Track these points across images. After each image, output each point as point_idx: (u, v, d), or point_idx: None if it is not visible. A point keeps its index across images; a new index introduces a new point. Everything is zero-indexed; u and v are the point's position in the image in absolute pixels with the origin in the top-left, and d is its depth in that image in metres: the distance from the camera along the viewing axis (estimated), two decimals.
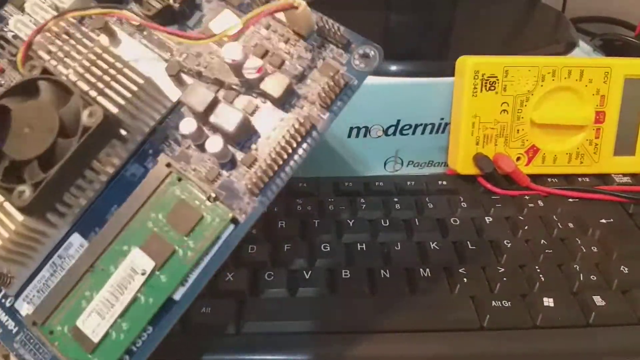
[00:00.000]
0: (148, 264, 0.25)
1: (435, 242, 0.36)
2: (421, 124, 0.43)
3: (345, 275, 0.34)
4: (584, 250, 0.36)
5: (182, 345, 0.30)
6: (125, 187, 0.27)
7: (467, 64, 0.40)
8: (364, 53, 0.28)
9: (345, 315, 0.32)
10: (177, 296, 0.26)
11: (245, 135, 0.27)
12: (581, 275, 0.34)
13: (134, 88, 0.26)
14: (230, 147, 0.27)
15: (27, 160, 0.24)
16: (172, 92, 0.28)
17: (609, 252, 0.36)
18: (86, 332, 0.25)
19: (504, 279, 0.34)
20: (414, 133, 0.43)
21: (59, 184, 0.25)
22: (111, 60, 0.26)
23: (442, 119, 0.43)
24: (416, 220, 0.38)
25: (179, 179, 0.27)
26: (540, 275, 0.34)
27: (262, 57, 0.28)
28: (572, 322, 0.32)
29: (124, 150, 0.27)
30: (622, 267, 0.35)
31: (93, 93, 0.25)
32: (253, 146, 0.27)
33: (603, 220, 0.38)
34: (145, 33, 0.30)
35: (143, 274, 0.25)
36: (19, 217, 0.25)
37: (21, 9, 0.31)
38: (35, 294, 0.27)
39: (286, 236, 0.37)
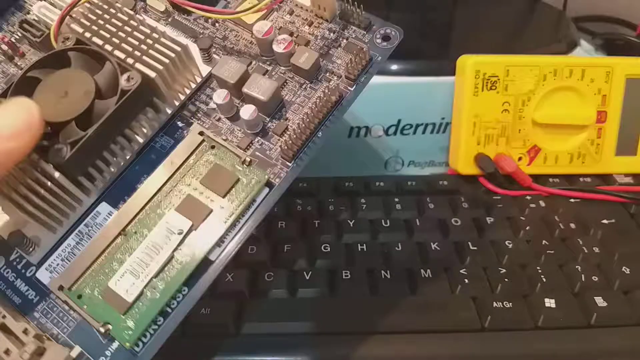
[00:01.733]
0: (185, 223, 0.25)
1: (436, 243, 0.36)
2: (422, 124, 0.43)
3: (345, 275, 0.34)
4: (586, 251, 0.36)
5: (182, 345, 0.30)
6: (155, 158, 0.27)
7: (468, 63, 0.40)
8: (385, 33, 0.30)
9: (346, 316, 0.32)
10: (213, 256, 0.25)
11: (275, 106, 0.28)
12: (583, 276, 0.34)
13: (172, 55, 0.26)
14: (262, 116, 0.28)
15: (65, 122, 0.24)
16: (203, 68, 0.29)
17: (610, 252, 0.36)
18: (119, 292, 0.24)
19: (505, 279, 0.34)
20: (414, 133, 0.43)
21: (95, 145, 0.25)
22: (147, 30, 0.27)
23: (443, 118, 0.43)
24: (417, 220, 0.38)
25: (212, 147, 0.27)
26: (542, 276, 0.34)
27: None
28: (574, 323, 0.32)
29: (157, 120, 0.27)
30: (623, 267, 0.34)
31: (130, 60, 0.26)
32: (283, 116, 0.28)
33: (605, 221, 0.38)
34: (170, 20, 0.32)
35: (180, 233, 0.25)
36: (55, 174, 0.24)
37: None
38: (60, 262, 0.26)
39: (286, 236, 0.37)
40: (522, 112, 0.41)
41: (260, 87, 0.27)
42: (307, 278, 0.34)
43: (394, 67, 0.42)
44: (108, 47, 0.26)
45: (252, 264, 0.34)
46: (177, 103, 0.28)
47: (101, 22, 0.27)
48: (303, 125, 0.27)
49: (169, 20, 0.32)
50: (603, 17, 0.57)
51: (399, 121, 0.43)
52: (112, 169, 0.27)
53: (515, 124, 0.41)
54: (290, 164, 0.27)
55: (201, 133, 0.27)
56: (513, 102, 0.40)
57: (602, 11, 0.57)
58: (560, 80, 0.40)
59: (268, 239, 0.36)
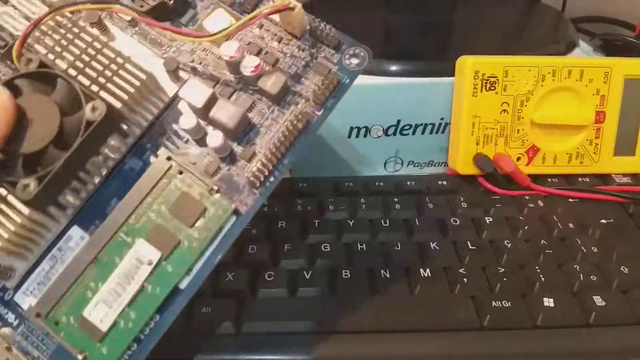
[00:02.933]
0: (154, 254, 0.26)
1: (436, 242, 0.36)
2: (421, 124, 0.43)
3: (345, 275, 0.34)
4: (584, 251, 0.36)
5: (182, 345, 0.30)
6: (123, 180, 0.28)
7: (467, 64, 0.40)
8: (354, 53, 0.29)
9: (345, 315, 0.32)
10: (182, 285, 0.26)
11: (243, 131, 0.28)
12: (581, 275, 0.34)
13: (137, 83, 0.26)
14: (229, 142, 0.28)
15: (41, 149, 0.24)
16: (169, 87, 0.29)
17: (609, 252, 0.36)
18: (93, 322, 0.25)
19: (504, 279, 0.34)
20: (414, 133, 0.43)
21: (63, 176, 0.25)
22: (112, 55, 0.26)
23: (442, 119, 0.43)
24: (416, 220, 0.38)
25: (180, 172, 0.27)
26: (541, 275, 0.34)
27: (257, 55, 0.29)
28: (572, 322, 0.32)
29: (124, 144, 0.27)
30: (622, 267, 0.35)
31: (95, 87, 0.26)
32: (251, 141, 0.28)
33: (603, 221, 0.38)
34: (137, 29, 0.31)
35: (149, 264, 0.26)
36: (24, 210, 0.25)
37: (4, 0, 0.30)
38: (36, 286, 0.27)
39: (286, 236, 0.37)
40: (521, 112, 0.41)
41: (227, 112, 0.27)
42: (307, 277, 0.34)
43: (394, 67, 0.42)
44: (72, 72, 0.26)
45: (252, 264, 0.35)
46: (144, 124, 0.28)
47: (64, 42, 0.26)
48: (270, 154, 0.27)
49: (136, 29, 0.31)
50: (602, 18, 0.57)
51: (399, 121, 0.43)
52: (82, 195, 0.27)
53: (514, 124, 0.41)
54: (256, 192, 0.27)
55: (169, 158, 0.27)
56: (512, 103, 0.41)
57: (601, 12, 0.57)
58: (559, 80, 0.40)
59: (268, 239, 0.37)
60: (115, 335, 0.25)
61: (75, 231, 0.27)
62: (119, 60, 0.26)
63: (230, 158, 0.28)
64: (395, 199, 0.40)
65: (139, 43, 0.30)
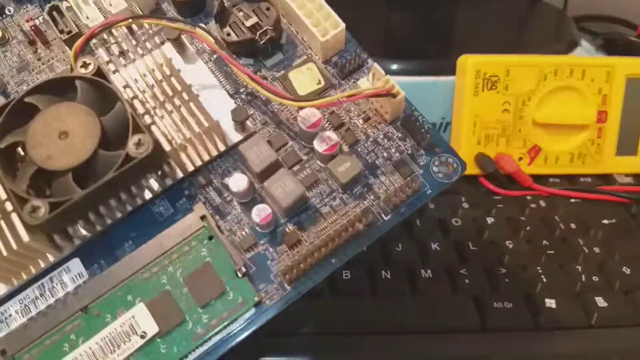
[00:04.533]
0: (151, 327, 0.22)
1: (437, 243, 0.36)
2: None
3: (345, 275, 0.34)
4: (586, 251, 0.36)
5: None
6: (147, 224, 0.24)
7: (468, 63, 0.40)
8: (446, 162, 0.25)
9: (346, 316, 0.31)
10: None
11: (297, 209, 0.24)
12: (583, 276, 0.34)
13: (197, 130, 0.23)
14: (277, 217, 0.25)
15: (60, 171, 0.21)
16: (230, 135, 0.25)
17: (611, 253, 0.36)
18: None
19: (506, 280, 0.34)
20: None
21: (81, 208, 0.22)
22: (179, 87, 0.23)
23: (444, 118, 0.43)
24: (417, 220, 0.38)
25: (210, 237, 0.24)
26: (542, 276, 0.34)
27: (337, 128, 0.26)
28: (574, 323, 0.32)
29: (161, 184, 0.24)
30: (624, 268, 0.34)
31: (147, 119, 0.22)
32: (301, 224, 0.24)
33: (605, 221, 0.38)
34: (215, 57, 0.27)
35: (142, 337, 0.22)
36: (24, 236, 0.21)
37: None
38: (13, 314, 0.23)
39: None
40: (523, 112, 0.41)
41: (284, 189, 0.23)
42: None
43: (394, 66, 0.41)
44: (129, 92, 0.23)
45: None
46: (189, 169, 0.24)
47: (132, 56, 0.24)
48: (317, 246, 0.23)
49: (214, 57, 0.27)
50: (603, 17, 0.57)
51: None
52: (97, 228, 0.23)
53: (515, 124, 0.41)
54: (288, 288, 0.23)
55: (203, 217, 0.24)
56: (513, 102, 0.40)
57: (603, 11, 0.57)
58: (561, 80, 0.40)
59: None
60: None
61: (75, 265, 0.24)
62: (185, 96, 0.23)
63: (272, 236, 0.24)
64: None
65: (212, 73, 0.27)
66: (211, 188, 0.25)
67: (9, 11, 0.28)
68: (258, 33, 0.26)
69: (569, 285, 0.34)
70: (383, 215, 0.25)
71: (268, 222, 0.23)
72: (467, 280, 0.33)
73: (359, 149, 0.26)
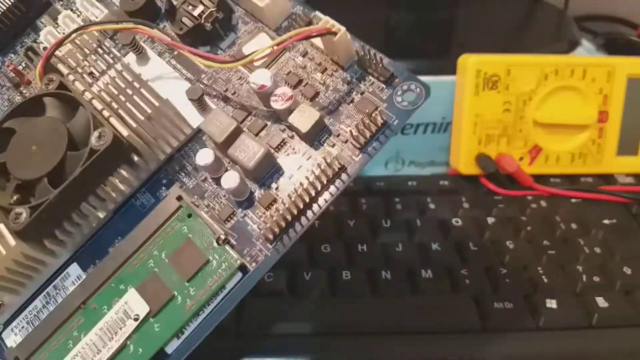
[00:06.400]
0: (142, 308, 0.23)
1: (437, 243, 0.36)
2: (422, 123, 0.43)
3: (345, 276, 0.34)
4: (587, 251, 0.36)
5: None
6: (133, 218, 0.25)
7: (469, 62, 0.39)
8: (408, 89, 0.25)
9: (346, 317, 0.31)
10: (169, 349, 0.23)
11: (266, 172, 0.25)
12: (584, 276, 0.34)
13: (148, 110, 0.24)
14: (248, 184, 0.25)
15: (36, 179, 0.23)
16: (194, 118, 0.26)
17: (612, 253, 0.36)
18: None
19: (507, 280, 0.34)
20: (415, 132, 0.43)
21: (60, 209, 0.23)
22: (129, 78, 0.25)
23: (444, 118, 0.43)
24: (417, 220, 0.38)
25: (189, 215, 0.24)
26: (543, 277, 0.34)
27: (295, 86, 0.26)
28: (575, 323, 0.32)
29: (135, 177, 0.25)
30: (625, 268, 0.34)
31: (106, 113, 0.24)
32: (274, 185, 0.25)
33: (606, 221, 0.38)
34: (175, 53, 0.29)
35: (136, 319, 0.23)
36: (11, 241, 0.23)
37: (55, 20, 0.30)
38: (25, 325, 0.25)
39: None
40: (523, 111, 0.41)
41: (247, 151, 0.23)
42: (307, 278, 0.33)
43: None
44: (88, 95, 0.24)
45: None
46: (161, 158, 0.25)
47: (86, 63, 0.25)
48: (293, 198, 0.23)
49: (174, 53, 0.28)
50: (604, 17, 0.57)
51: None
52: (84, 230, 0.25)
53: (516, 124, 0.41)
54: (270, 246, 0.24)
55: (179, 198, 0.25)
56: (514, 102, 0.40)
57: (604, 11, 0.57)
58: (562, 79, 0.40)
59: None
60: None
61: (74, 269, 0.25)
62: (136, 84, 0.24)
63: (248, 202, 0.24)
64: (397, 199, 0.40)
65: (173, 69, 0.28)
66: (186, 172, 0.26)
67: None
68: (203, 17, 0.27)
69: (570, 285, 0.34)
70: (353, 157, 0.24)
71: (237, 186, 0.24)
72: (467, 281, 0.33)
73: (321, 101, 0.26)
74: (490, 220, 0.38)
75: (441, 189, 0.42)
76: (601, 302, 0.32)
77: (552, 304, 0.32)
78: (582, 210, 0.39)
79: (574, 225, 0.38)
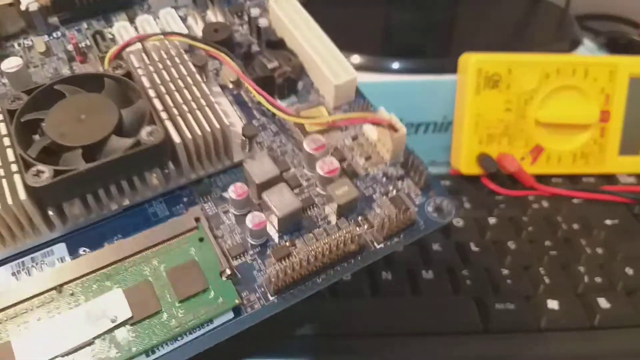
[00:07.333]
0: (124, 312, 0.22)
1: (438, 243, 0.36)
2: (423, 123, 0.43)
3: (346, 277, 0.33)
4: (589, 252, 0.35)
5: None
6: (140, 222, 0.25)
7: (470, 61, 0.39)
8: (439, 205, 0.26)
9: (346, 317, 0.31)
10: None
11: (290, 226, 0.25)
12: (586, 277, 0.34)
13: (207, 129, 0.24)
14: (269, 231, 0.25)
15: (72, 147, 0.23)
16: (237, 152, 0.27)
17: (614, 253, 0.36)
18: (15, 354, 0.21)
19: (508, 280, 0.33)
20: (416, 132, 0.43)
21: (82, 183, 0.22)
22: (198, 94, 0.25)
23: (445, 117, 0.42)
24: None
25: (201, 239, 0.24)
26: (545, 277, 0.34)
27: (339, 162, 0.27)
28: (577, 324, 0.31)
29: (162, 184, 0.25)
30: (627, 268, 0.34)
31: (164, 115, 0.24)
32: (293, 241, 0.25)
33: (608, 221, 0.38)
34: (234, 92, 0.30)
35: (113, 321, 0.22)
36: (22, 194, 0.22)
37: (131, 20, 0.31)
38: None
39: None
40: (525, 111, 0.40)
41: (281, 200, 0.24)
42: None
43: (396, 65, 0.41)
44: (151, 93, 0.25)
45: None
46: (192, 176, 0.26)
47: (160, 65, 0.26)
48: (307, 260, 0.23)
49: (235, 92, 0.30)
50: (606, 16, 0.56)
51: (401, 120, 0.42)
52: (91, 215, 0.24)
53: (517, 123, 0.41)
54: (270, 299, 0.23)
55: (197, 219, 0.24)
56: (515, 101, 0.40)
57: (605, 10, 0.57)
58: (563, 79, 0.40)
59: None
60: None
61: (59, 249, 0.24)
62: (202, 101, 0.25)
63: (261, 248, 0.25)
64: None
65: (229, 104, 0.29)
66: (210, 198, 0.26)
67: (57, 35, 0.31)
68: (277, 71, 0.29)
69: (572, 286, 0.33)
70: (375, 244, 0.25)
71: (261, 229, 0.24)
72: (468, 281, 0.33)
73: (358, 183, 0.27)
74: (492, 220, 0.38)
75: None
76: (603, 302, 0.32)
77: (553, 304, 0.32)
78: (584, 210, 0.39)
79: (575, 226, 0.38)
